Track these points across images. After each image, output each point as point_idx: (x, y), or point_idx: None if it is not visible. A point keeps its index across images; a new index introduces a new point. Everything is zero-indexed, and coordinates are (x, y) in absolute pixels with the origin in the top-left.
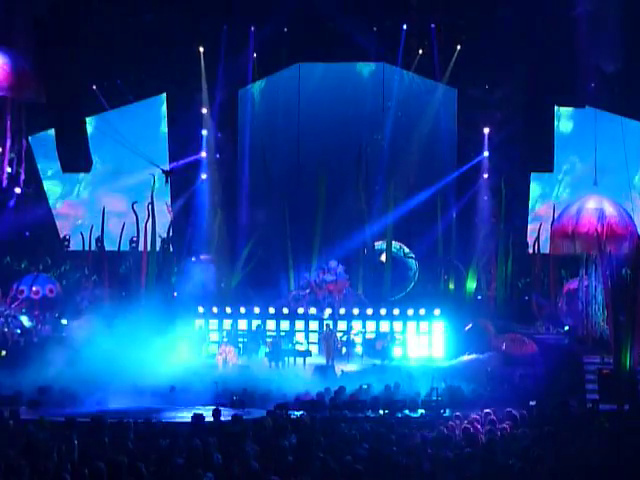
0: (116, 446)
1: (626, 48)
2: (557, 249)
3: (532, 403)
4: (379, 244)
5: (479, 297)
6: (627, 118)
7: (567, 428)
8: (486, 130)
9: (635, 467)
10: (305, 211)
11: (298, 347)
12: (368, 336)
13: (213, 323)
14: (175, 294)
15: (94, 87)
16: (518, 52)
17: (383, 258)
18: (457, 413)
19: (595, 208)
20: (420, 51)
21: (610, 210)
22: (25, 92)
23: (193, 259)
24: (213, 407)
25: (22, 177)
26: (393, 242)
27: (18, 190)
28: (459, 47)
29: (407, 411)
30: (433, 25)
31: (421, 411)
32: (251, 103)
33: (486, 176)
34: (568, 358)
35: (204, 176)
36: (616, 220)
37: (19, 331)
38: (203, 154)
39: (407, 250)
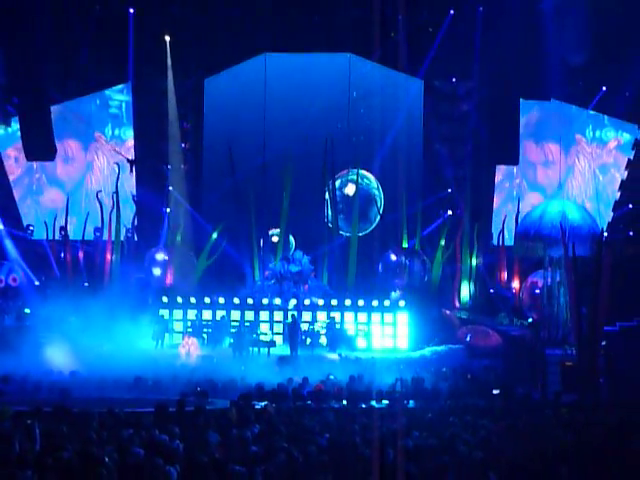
0: (79, 436)
1: (591, 41)
2: (521, 252)
3: (495, 392)
4: (343, 174)
5: (444, 289)
6: (592, 111)
7: (529, 419)
8: (451, 122)
9: (595, 457)
10: (271, 201)
11: (262, 337)
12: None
13: (177, 313)
14: (138, 283)
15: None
16: (484, 45)
17: (349, 191)
18: None
19: (558, 211)
20: (387, 43)
21: (572, 212)
22: None
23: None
24: (177, 397)
25: None
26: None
27: None
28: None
29: (373, 402)
30: (400, 17)
31: (385, 402)
32: (217, 92)
33: (451, 168)
34: (531, 350)
35: (169, 166)
36: (578, 222)
37: None
38: (168, 144)
39: (371, 177)
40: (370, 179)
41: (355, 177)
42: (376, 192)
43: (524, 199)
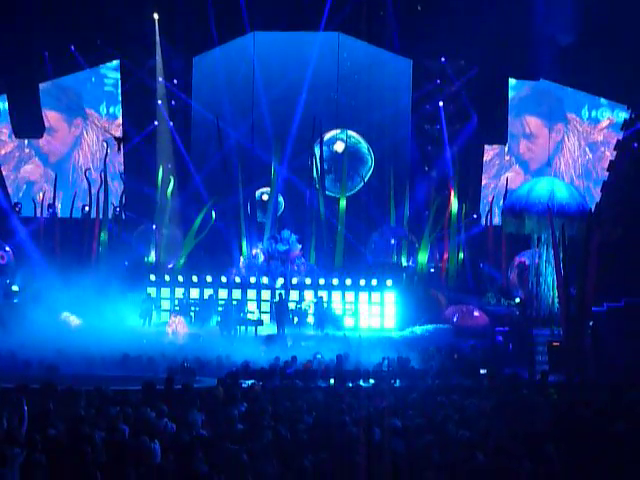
0: (67, 413)
1: (581, 21)
2: (507, 228)
3: (482, 372)
4: (332, 134)
5: (431, 269)
6: (580, 91)
7: (516, 399)
8: (440, 102)
9: (582, 437)
10: (259, 180)
11: (250, 316)
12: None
13: (165, 291)
14: (126, 262)
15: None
16: (473, 24)
17: (338, 147)
18: None
19: (546, 189)
20: (376, 21)
21: (561, 191)
22: None
23: (153, 226)
24: (164, 375)
25: None
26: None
27: None
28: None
29: (361, 381)
30: None
31: (372, 381)
32: (206, 71)
33: (440, 147)
34: (518, 330)
35: (157, 144)
36: (567, 200)
37: None
38: (156, 122)
39: (360, 139)
40: (360, 140)
41: (344, 136)
42: (366, 152)
43: (509, 171)
